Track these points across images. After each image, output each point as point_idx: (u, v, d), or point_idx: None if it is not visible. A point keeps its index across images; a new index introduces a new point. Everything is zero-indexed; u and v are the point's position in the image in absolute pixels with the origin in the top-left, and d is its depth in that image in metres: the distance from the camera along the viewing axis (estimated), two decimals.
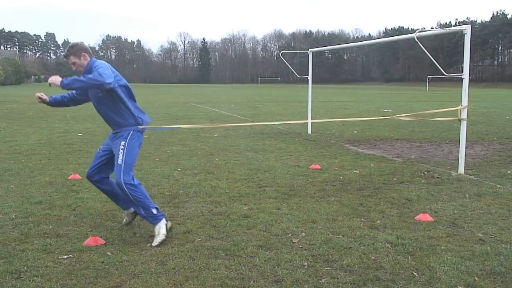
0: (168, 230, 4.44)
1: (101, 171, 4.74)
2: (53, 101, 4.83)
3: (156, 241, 4.29)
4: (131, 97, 4.65)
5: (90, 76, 4.17)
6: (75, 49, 4.45)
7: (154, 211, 4.46)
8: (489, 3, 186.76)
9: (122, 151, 4.45)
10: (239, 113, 20.44)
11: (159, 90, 57.96)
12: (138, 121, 4.61)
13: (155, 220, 4.43)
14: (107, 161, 4.69)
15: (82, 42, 4.87)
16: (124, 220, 4.88)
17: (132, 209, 4.77)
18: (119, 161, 4.42)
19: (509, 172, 7.69)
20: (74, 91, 4.75)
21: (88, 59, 4.47)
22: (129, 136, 4.52)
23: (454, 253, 4.08)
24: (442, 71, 7.57)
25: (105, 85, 4.17)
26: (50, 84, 4.28)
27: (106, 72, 4.20)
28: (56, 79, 4.21)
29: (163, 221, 4.43)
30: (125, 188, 4.38)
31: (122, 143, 4.48)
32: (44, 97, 4.59)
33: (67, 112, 20.46)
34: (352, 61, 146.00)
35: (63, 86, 4.17)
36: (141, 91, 54.43)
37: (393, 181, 7.01)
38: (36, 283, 3.49)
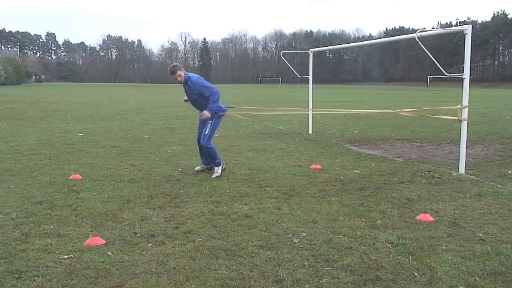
0: (223, 170, 7.36)
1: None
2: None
3: (214, 175, 7.17)
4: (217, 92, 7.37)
5: (214, 100, 7.21)
6: (178, 67, 7.28)
7: (220, 161, 7.37)
8: (490, 3, 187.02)
9: (209, 126, 7.32)
10: (239, 113, 20.44)
11: (159, 90, 57.98)
12: (222, 110, 7.49)
13: (218, 165, 7.31)
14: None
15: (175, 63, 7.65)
16: (198, 168, 7.67)
17: (210, 165, 7.48)
18: (206, 132, 7.33)
19: (509, 172, 7.69)
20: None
21: (183, 74, 7.27)
22: (215, 118, 7.36)
23: (455, 253, 4.08)
24: (443, 71, 7.56)
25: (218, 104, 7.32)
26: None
27: (215, 95, 7.21)
28: (208, 114, 7.21)
29: (222, 166, 7.35)
30: (205, 148, 7.31)
31: (210, 122, 7.31)
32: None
33: (67, 112, 20.48)
34: (353, 61, 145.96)
35: (213, 111, 7.25)
36: (141, 91, 54.46)
37: (393, 181, 7.01)
38: (37, 283, 3.49)
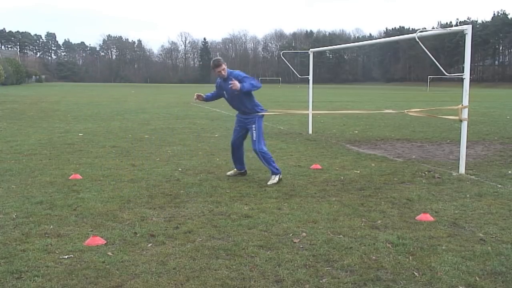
0: (280, 180, 6.87)
1: (240, 141, 7.27)
2: (207, 98, 7.33)
3: (270, 182, 6.77)
4: (252, 94, 7.01)
5: (254, 83, 6.72)
6: (223, 61, 6.84)
7: (276, 167, 6.96)
8: (490, 3, 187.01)
9: (255, 130, 6.94)
10: None
11: (160, 90, 57.99)
12: (260, 109, 7.10)
13: (275, 172, 6.89)
14: (242, 134, 7.25)
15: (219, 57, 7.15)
16: (231, 172, 7.38)
17: (242, 171, 7.35)
18: (254, 138, 6.94)
19: (510, 172, 7.68)
20: (214, 94, 7.29)
21: (226, 69, 6.87)
22: (257, 120, 6.98)
23: (455, 253, 4.08)
24: (443, 71, 7.56)
25: (258, 89, 6.83)
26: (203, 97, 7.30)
27: (257, 82, 6.80)
28: (237, 84, 6.51)
29: (279, 175, 6.91)
30: (259, 154, 6.96)
31: (254, 126, 6.95)
32: (203, 95, 7.29)
33: (68, 112, 20.48)
34: (353, 61, 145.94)
35: (244, 90, 6.63)
36: (142, 91, 54.46)
37: (394, 181, 7.01)
38: (37, 283, 3.49)
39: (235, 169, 7.36)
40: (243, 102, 6.97)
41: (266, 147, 7.08)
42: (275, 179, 6.83)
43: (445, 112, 7.30)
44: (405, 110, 7.86)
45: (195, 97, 7.27)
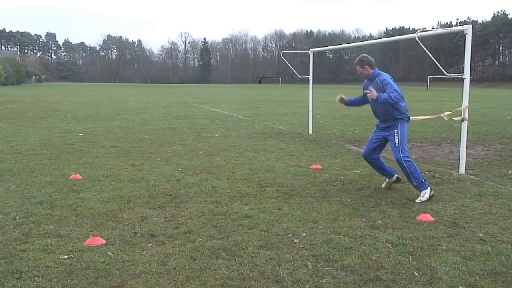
0: (431, 196, 5.85)
1: (374, 152, 6.41)
2: (349, 102, 6.67)
3: (418, 200, 5.80)
4: (403, 99, 6.06)
5: (392, 96, 5.79)
6: (362, 61, 6.20)
7: (423, 180, 5.93)
8: (490, 3, 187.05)
9: (396, 136, 6.04)
10: (240, 113, 20.45)
11: (160, 90, 57.98)
12: (406, 117, 6.17)
13: (422, 186, 5.88)
14: (379, 145, 6.40)
15: (368, 56, 6.34)
16: (384, 185, 6.54)
17: (394, 178, 6.45)
18: (396, 144, 6.03)
19: (510, 172, 7.68)
20: (358, 99, 6.60)
21: (371, 70, 6.17)
22: (400, 125, 6.08)
23: (455, 253, 4.08)
24: (443, 71, 7.56)
25: (396, 105, 5.97)
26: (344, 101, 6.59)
27: (397, 95, 5.81)
28: (375, 94, 5.80)
29: (428, 189, 5.88)
30: (403, 163, 5.94)
31: (396, 131, 6.07)
32: (346, 98, 6.58)
33: (68, 112, 20.48)
34: (353, 61, 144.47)
35: (380, 100, 5.84)
36: (142, 91, 54.46)
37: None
38: (37, 283, 3.49)
39: (387, 180, 6.54)
40: (387, 108, 6.07)
41: (411, 159, 6.06)
42: (425, 195, 5.83)
43: (450, 114, 7.23)
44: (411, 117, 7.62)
45: (338, 98, 6.61)
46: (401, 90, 5.93)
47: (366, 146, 6.52)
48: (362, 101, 6.58)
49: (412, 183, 6.01)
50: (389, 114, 6.12)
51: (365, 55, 6.31)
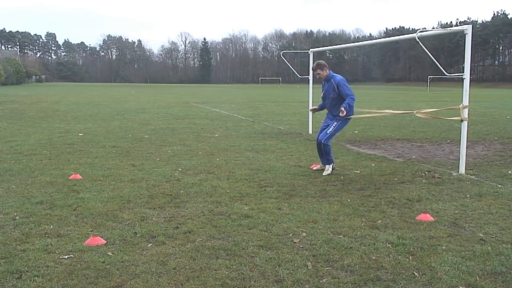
0: (333, 169, 7.57)
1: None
2: (319, 107, 8.21)
3: (325, 173, 7.42)
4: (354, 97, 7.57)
5: (351, 103, 7.40)
6: (321, 65, 7.68)
7: (332, 160, 7.64)
8: (490, 3, 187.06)
9: (333, 127, 7.60)
10: (240, 113, 20.45)
11: (160, 90, 57.98)
12: (350, 114, 7.51)
13: (329, 163, 7.57)
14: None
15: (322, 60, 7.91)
16: (318, 167, 7.84)
17: (325, 167, 7.64)
18: (327, 131, 7.61)
19: (510, 172, 7.68)
20: (323, 103, 7.98)
21: (328, 72, 7.68)
22: (340, 121, 7.57)
23: (455, 253, 4.08)
24: (443, 71, 7.56)
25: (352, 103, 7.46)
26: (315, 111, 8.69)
27: (352, 99, 7.41)
28: (344, 111, 7.26)
29: (332, 164, 7.59)
30: (322, 145, 7.58)
31: (335, 123, 7.58)
32: (316, 107, 8.38)
33: (68, 112, 20.49)
34: (353, 61, 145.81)
35: (349, 113, 7.40)
36: (142, 91, 54.46)
37: (393, 181, 7.01)
38: (37, 283, 3.49)
39: (321, 165, 7.78)
40: (336, 106, 7.57)
41: (330, 144, 7.70)
42: (328, 169, 7.51)
43: (448, 113, 7.28)
44: (415, 112, 7.90)
45: (311, 110, 8.91)
46: (351, 90, 7.52)
47: (320, 130, 7.87)
48: (325, 104, 7.94)
49: (325, 159, 7.62)
50: (337, 109, 7.53)
51: (320, 60, 7.84)
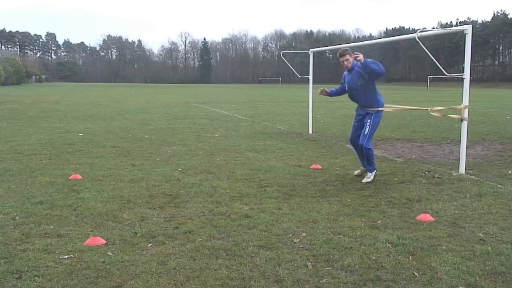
0: (374, 177, 7.02)
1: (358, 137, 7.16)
2: (331, 93, 7.45)
3: (365, 180, 6.90)
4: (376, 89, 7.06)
5: (378, 65, 6.65)
6: (349, 51, 6.95)
7: (374, 166, 7.10)
8: (490, 3, 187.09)
9: (368, 126, 6.98)
10: (240, 113, 20.45)
11: (160, 90, 57.98)
12: (381, 105, 7.07)
13: (371, 170, 7.04)
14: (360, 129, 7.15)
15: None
16: (357, 172, 7.36)
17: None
18: (365, 133, 6.98)
19: (510, 172, 7.68)
20: (338, 89, 7.33)
21: (352, 59, 6.91)
22: (373, 116, 7.02)
23: (455, 253, 4.08)
24: (443, 71, 7.56)
25: (383, 74, 6.84)
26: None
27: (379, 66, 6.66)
28: (361, 56, 6.59)
29: (374, 171, 7.05)
30: (364, 149, 7.00)
31: (369, 121, 6.99)
32: (327, 90, 7.42)
33: (68, 112, 20.48)
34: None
35: (366, 63, 6.60)
36: (142, 91, 54.45)
37: (394, 181, 7.01)
38: (37, 283, 3.49)
39: (362, 168, 7.32)
40: (365, 95, 7.00)
41: (371, 145, 7.14)
42: (370, 177, 6.98)
43: (448, 111, 7.30)
44: (429, 109, 7.75)
45: (319, 91, 7.47)
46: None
47: (351, 131, 7.35)
48: (341, 91, 7.34)
49: (367, 166, 7.10)
50: (366, 98, 7.00)
51: (345, 47, 7.14)
